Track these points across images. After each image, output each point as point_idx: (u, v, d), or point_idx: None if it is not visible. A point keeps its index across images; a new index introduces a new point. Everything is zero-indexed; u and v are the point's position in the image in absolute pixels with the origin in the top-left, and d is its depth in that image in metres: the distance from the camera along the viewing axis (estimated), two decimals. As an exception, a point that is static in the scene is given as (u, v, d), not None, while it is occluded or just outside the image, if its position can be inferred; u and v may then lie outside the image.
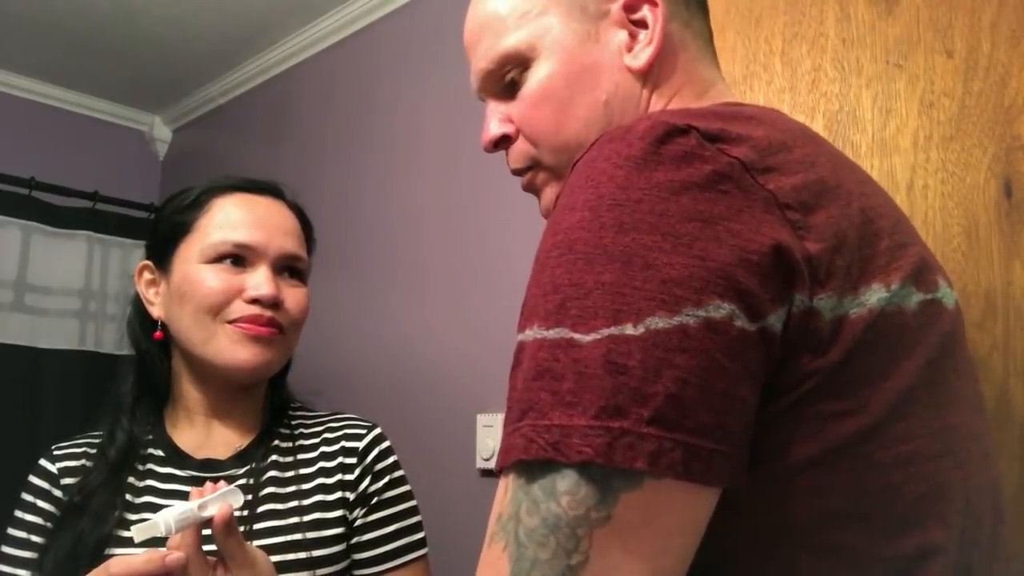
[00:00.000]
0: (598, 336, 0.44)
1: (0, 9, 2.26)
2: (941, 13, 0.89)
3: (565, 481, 0.43)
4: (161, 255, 0.99)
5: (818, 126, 0.96)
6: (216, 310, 0.94)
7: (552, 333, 0.46)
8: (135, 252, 2.61)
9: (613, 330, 0.44)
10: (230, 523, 0.76)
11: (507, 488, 0.46)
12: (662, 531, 0.44)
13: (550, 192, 0.70)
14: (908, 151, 0.90)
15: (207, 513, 0.75)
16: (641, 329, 0.44)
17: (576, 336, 0.45)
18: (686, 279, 0.45)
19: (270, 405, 1.03)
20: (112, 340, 2.50)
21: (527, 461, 0.44)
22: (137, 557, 0.73)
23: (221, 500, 0.76)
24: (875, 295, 0.50)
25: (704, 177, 0.47)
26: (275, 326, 0.96)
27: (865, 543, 0.48)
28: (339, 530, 0.95)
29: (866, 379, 0.49)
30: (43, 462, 0.98)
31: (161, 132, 2.97)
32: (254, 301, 0.94)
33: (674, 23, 0.67)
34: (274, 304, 0.95)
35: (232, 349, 0.93)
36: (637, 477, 0.43)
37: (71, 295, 2.47)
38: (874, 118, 0.93)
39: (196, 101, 2.79)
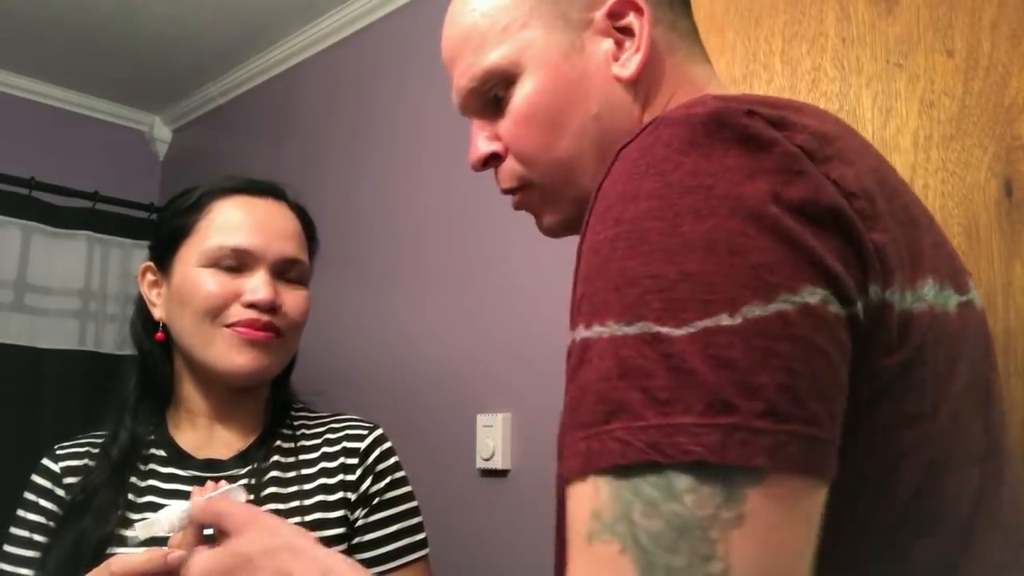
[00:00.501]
0: (692, 329, 0.41)
1: (0, 9, 2.26)
2: (941, 12, 0.89)
3: (682, 480, 0.40)
4: (163, 257, 0.99)
5: (818, 126, 0.96)
6: (214, 314, 0.94)
7: (633, 329, 0.43)
8: (135, 252, 2.60)
9: (708, 322, 0.41)
10: None
11: (598, 487, 0.42)
12: (794, 529, 0.42)
13: (551, 214, 0.69)
14: (908, 150, 0.90)
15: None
16: (739, 319, 0.41)
17: (664, 330, 0.42)
18: (776, 264, 0.42)
19: (272, 406, 1.03)
20: (112, 340, 2.49)
21: (625, 465, 0.41)
22: (138, 556, 0.73)
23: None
24: (930, 291, 0.49)
25: (775, 162, 0.45)
26: (272, 330, 0.95)
27: (919, 547, 0.48)
28: (340, 530, 0.95)
29: (931, 381, 0.48)
30: (46, 461, 0.98)
31: (161, 132, 2.97)
32: (251, 305, 0.94)
33: (660, 27, 0.65)
34: (272, 308, 0.95)
35: (229, 354, 0.93)
36: (757, 474, 0.40)
37: (71, 295, 2.47)
38: (874, 117, 0.92)
39: (196, 101, 2.79)
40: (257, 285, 0.94)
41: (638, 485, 0.41)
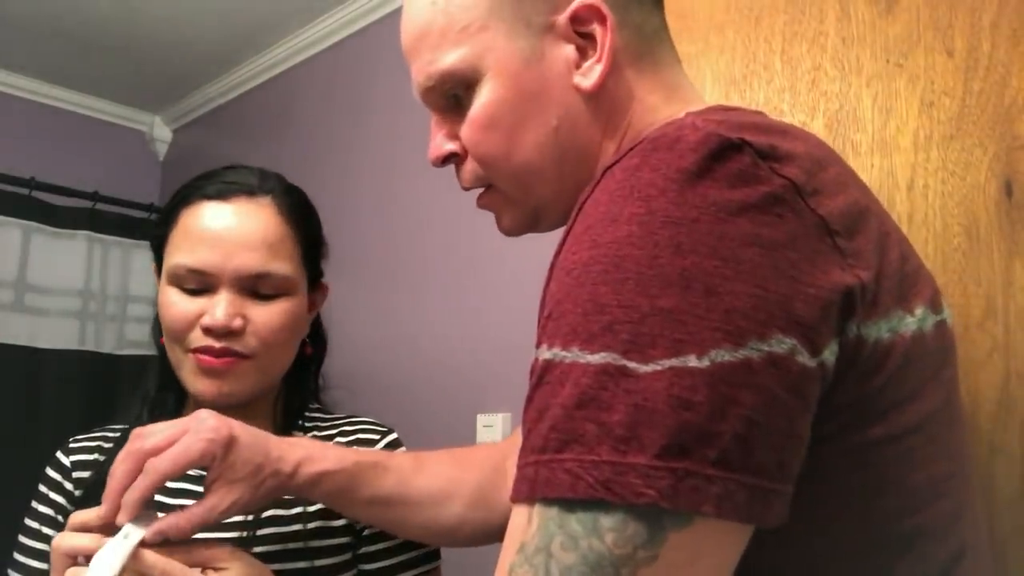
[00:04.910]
0: (658, 367, 0.41)
1: (0, 9, 2.26)
2: (941, 12, 0.88)
3: (611, 518, 0.40)
4: (157, 263, 0.98)
5: (818, 125, 0.96)
6: (178, 338, 0.90)
7: (597, 358, 0.42)
8: (135, 252, 2.61)
9: (675, 361, 0.41)
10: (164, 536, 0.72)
11: (532, 518, 0.43)
12: (706, 569, 0.42)
13: (510, 216, 0.68)
14: (908, 150, 0.89)
15: (134, 539, 0.69)
16: (706, 362, 0.41)
17: (630, 365, 0.41)
18: (750, 310, 0.42)
19: (284, 407, 1.01)
20: (112, 340, 2.49)
21: (571, 499, 0.41)
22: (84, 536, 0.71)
23: (145, 521, 0.71)
24: (904, 319, 0.49)
25: (760, 199, 0.45)
26: (232, 355, 0.89)
27: (904, 567, 0.48)
28: (345, 539, 0.93)
29: (899, 404, 0.48)
30: (59, 454, 0.98)
31: (161, 132, 2.97)
32: (207, 330, 0.88)
33: (626, 30, 0.62)
34: (228, 333, 0.88)
35: (194, 380, 0.90)
36: (687, 519, 0.40)
37: (71, 295, 2.47)
38: (874, 117, 0.92)
39: (196, 101, 2.79)
40: (213, 309, 0.88)
41: (567, 519, 0.41)
